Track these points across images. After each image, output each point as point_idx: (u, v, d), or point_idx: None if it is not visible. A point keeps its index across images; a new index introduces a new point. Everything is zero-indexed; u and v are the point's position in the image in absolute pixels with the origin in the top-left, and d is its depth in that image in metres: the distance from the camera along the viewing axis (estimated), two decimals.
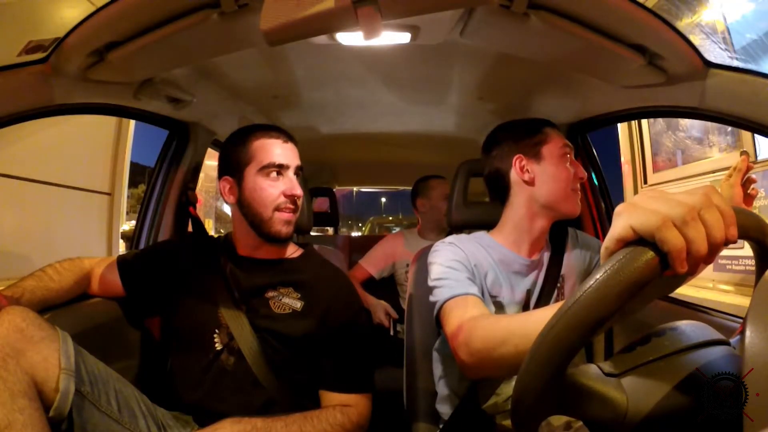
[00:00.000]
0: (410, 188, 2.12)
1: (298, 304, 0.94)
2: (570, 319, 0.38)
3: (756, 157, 1.87)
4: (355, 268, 2.00)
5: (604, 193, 1.44)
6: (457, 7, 0.79)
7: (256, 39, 0.82)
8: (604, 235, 1.36)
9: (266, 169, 0.93)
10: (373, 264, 1.98)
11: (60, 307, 0.90)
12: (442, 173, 2.01)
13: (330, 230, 3.15)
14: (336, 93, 1.44)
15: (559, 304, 0.42)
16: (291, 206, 0.94)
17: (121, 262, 1.01)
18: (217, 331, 0.92)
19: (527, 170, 0.92)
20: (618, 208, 0.40)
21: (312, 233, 2.47)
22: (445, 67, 1.21)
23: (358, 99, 1.51)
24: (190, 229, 1.43)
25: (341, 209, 2.61)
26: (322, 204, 2.53)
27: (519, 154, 0.93)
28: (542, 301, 0.93)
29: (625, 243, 0.39)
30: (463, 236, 0.98)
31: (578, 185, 0.92)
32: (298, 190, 0.94)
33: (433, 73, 1.27)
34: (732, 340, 0.46)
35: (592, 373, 0.45)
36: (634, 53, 0.78)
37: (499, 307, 0.91)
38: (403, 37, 0.96)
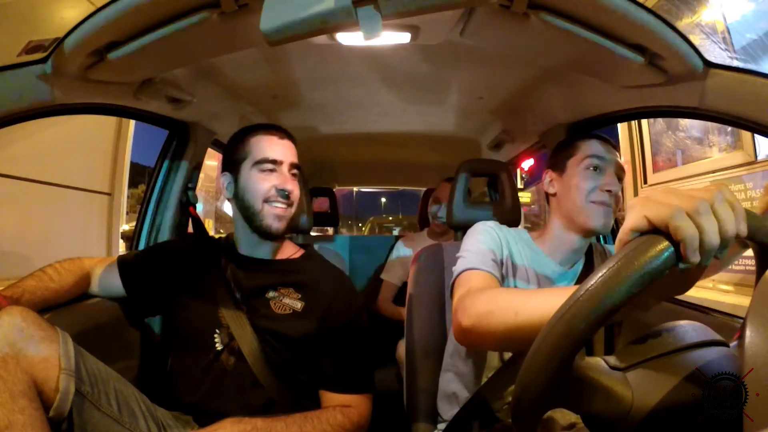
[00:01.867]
0: (410, 188, 2.12)
1: (298, 305, 0.94)
2: (581, 307, 0.38)
3: (756, 157, 1.87)
4: (381, 289, 1.98)
5: None
6: (457, 7, 0.79)
7: (256, 39, 0.82)
8: (606, 237, 1.36)
9: (260, 164, 0.94)
10: (392, 273, 1.98)
11: (60, 307, 0.90)
12: (442, 173, 2.01)
13: (330, 230, 3.15)
14: (336, 93, 1.44)
15: (567, 289, 0.41)
16: (282, 200, 0.94)
17: (122, 262, 1.01)
18: (217, 331, 0.92)
19: (552, 184, 0.97)
20: (631, 202, 0.41)
21: (312, 233, 2.47)
22: (445, 67, 1.21)
23: (358, 99, 1.50)
24: (190, 229, 1.43)
25: (341, 209, 2.61)
26: (322, 204, 2.53)
27: (548, 169, 0.99)
28: None
29: (639, 234, 0.40)
30: (504, 226, 0.99)
31: (605, 198, 0.89)
32: (290, 185, 0.95)
33: (433, 73, 1.27)
34: (732, 344, 0.46)
35: (598, 366, 0.44)
36: (634, 53, 0.78)
37: None
38: (403, 37, 0.96)
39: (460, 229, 1.24)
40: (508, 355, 0.90)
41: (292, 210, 0.97)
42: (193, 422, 0.89)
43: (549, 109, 1.36)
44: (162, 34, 0.74)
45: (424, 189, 2.62)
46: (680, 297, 1.02)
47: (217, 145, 1.53)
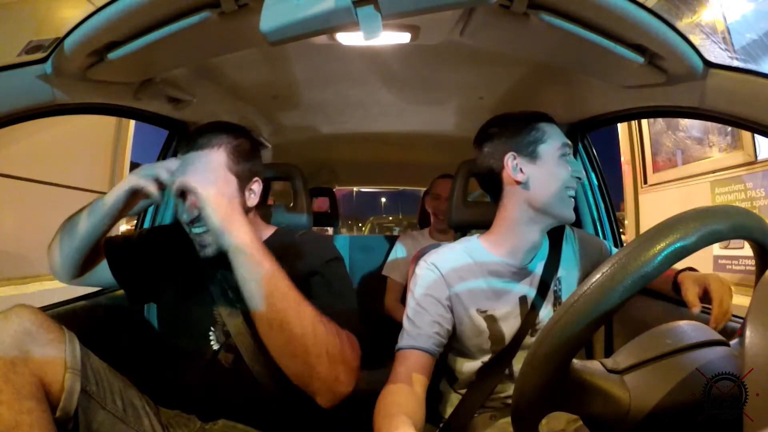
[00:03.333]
0: (410, 188, 2.11)
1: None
2: (577, 312, 0.38)
3: (756, 157, 1.87)
4: (387, 290, 1.96)
5: (604, 193, 1.44)
6: (457, 7, 0.79)
7: (256, 39, 0.82)
8: (605, 235, 1.36)
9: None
10: (396, 271, 1.97)
11: (64, 306, 0.90)
12: (442, 173, 2.01)
13: (330, 230, 3.15)
14: (336, 93, 1.44)
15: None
16: (196, 225, 0.86)
17: (108, 242, 0.98)
18: (212, 329, 0.91)
19: (521, 170, 0.85)
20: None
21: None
22: (445, 67, 1.21)
23: (358, 99, 1.50)
24: None
25: (341, 209, 2.61)
26: (322, 204, 2.52)
27: (512, 152, 0.86)
28: (538, 306, 0.90)
29: None
30: (448, 251, 0.92)
31: (574, 187, 0.87)
32: (185, 214, 0.86)
33: (433, 73, 1.27)
34: (732, 343, 0.46)
35: (595, 370, 0.45)
36: (634, 53, 0.78)
37: (492, 321, 0.88)
38: (403, 37, 0.96)
39: (460, 229, 1.24)
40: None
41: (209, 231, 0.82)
42: (197, 419, 0.89)
43: (549, 109, 1.35)
44: (162, 34, 0.74)
45: (424, 189, 2.63)
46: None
47: None
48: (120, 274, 0.97)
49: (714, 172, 2.12)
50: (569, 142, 0.89)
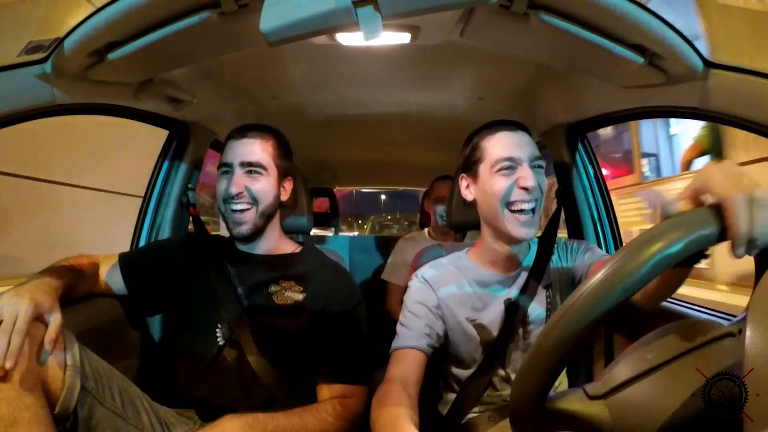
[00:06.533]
0: (410, 188, 2.11)
1: (299, 296, 0.96)
2: (575, 314, 0.38)
3: (642, 180, 1.92)
4: (389, 293, 1.96)
5: (604, 192, 1.44)
6: (457, 8, 0.79)
7: (256, 39, 0.81)
8: (605, 236, 1.35)
9: (220, 170, 0.98)
10: (397, 275, 1.97)
11: (62, 306, 0.90)
12: (443, 173, 2.01)
13: (330, 232, 3.15)
14: (336, 93, 1.44)
15: None
16: (235, 201, 0.94)
17: (123, 259, 1.01)
18: (219, 326, 0.93)
19: (470, 190, 0.93)
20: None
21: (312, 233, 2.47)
22: (445, 67, 1.21)
23: (358, 99, 1.50)
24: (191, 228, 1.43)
25: (341, 209, 2.61)
26: (322, 204, 2.52)
27: (462, 174, 0.94)
28: (524, 307, 0.90)
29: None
30: (435, 264, 0.97)
31: (524, 197, 0.83)
32: (234, 188, 0.93)
33: (433, 73, 1.27)
34: (730, 342, 0.46)
35: (575, 397, 0.45)
36: (633, 53, 0.78)
37: (481, 329, 0.90)
38: (403, 38, 0.96)
39: (460, 230, 1.24)
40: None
41: (256, 208, 0.96)
42: (196, 417, 0.89)
43: (549, 109, 1.36)
44: (162, 35, 0.73)
45: (424, 189, 2.62)
46: (680, 297, 1.02)
47: (218, 146, 1.53)
48: (135, 289, 1.00)
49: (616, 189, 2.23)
50: (512, 155, 0.85)
